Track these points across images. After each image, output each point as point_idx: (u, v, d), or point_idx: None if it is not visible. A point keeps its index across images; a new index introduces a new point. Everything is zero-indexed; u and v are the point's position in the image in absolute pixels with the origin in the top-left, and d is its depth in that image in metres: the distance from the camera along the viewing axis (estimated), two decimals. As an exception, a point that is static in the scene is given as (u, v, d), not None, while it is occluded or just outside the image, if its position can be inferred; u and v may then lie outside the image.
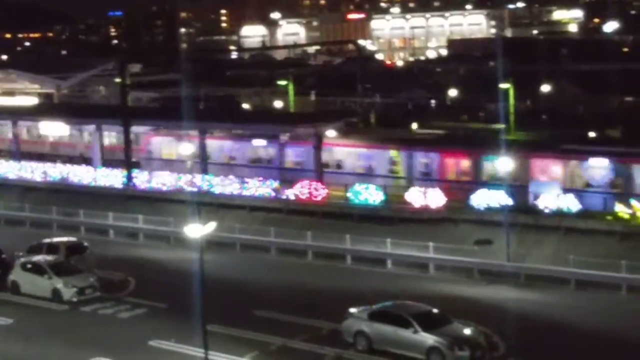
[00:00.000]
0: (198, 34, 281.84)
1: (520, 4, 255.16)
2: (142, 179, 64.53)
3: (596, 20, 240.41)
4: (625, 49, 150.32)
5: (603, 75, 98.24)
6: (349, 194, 57.24)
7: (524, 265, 45.94)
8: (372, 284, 44.83)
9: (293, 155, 65.34)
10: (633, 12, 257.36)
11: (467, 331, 34.72)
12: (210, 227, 32.56)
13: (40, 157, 76.63)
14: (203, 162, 65.42)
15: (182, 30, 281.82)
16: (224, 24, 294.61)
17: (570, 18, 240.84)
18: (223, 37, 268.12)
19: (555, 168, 55.01)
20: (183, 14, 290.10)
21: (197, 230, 32.11)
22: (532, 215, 51.39)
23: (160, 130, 71.02)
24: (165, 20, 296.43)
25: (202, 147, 65.77)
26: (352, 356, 35.05)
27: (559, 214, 50.94)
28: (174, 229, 53.74)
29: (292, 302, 41.98)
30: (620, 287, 43.08)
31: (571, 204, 51.08)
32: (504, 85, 74.63)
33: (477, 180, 56.88)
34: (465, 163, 58.37)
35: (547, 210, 51.26)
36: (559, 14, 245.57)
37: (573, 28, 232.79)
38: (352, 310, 36.45)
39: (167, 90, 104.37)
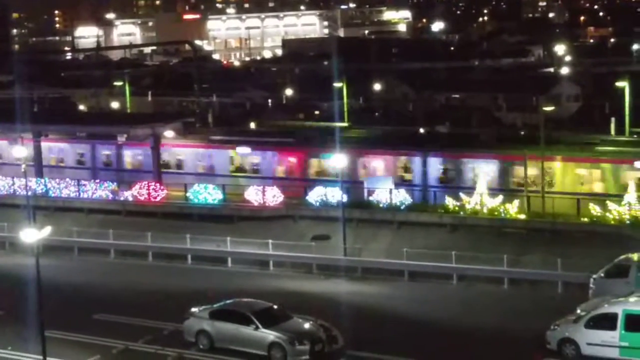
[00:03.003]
0: (31, 35, 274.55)
1: (351, 5, 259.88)
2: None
3: (424, 20, 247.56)
4: (452, 48, 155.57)
5: (431, 74, 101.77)
6: (188, 194, 57.45)
7: (360, 259, 47.12)
8: (213, 282, 45.17)
9: (130, 156, 65.01)
10: (459, 12, 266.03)
11: (307, 326, 35.43)
12: (46, 231, 32.39)
13: None
14: (38, 165, 64.22)
15: (14, 31, 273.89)
16: (57, 25, 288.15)
17: (399, 18, 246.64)
18: (57, 38, 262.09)
19: (387, 164, 56.64)
20: (15, 15, 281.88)
21: (32, 234, 31.83)
22: (367, 210, 52.82)
23: None
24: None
25: (37, 150, 64.53)
26: (194, 355, 35.19)
27: (392, 208, 52.53)
28: (8, 234, 52.62)
29: (133, 304, 41.83)
30: (451, 276, 44.70)
31: (403, 198, 52.72)
32: (337, 84, 76.00)
33: (313, 177, 57.99)
34: (301, 161, 59.34)
35: (381, 205, 52.78)
36: (388, 15, 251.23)
37: (402, 28, 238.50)
38: (193, 309, 36.61)
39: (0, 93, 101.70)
